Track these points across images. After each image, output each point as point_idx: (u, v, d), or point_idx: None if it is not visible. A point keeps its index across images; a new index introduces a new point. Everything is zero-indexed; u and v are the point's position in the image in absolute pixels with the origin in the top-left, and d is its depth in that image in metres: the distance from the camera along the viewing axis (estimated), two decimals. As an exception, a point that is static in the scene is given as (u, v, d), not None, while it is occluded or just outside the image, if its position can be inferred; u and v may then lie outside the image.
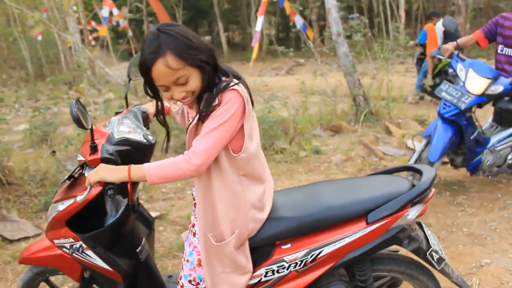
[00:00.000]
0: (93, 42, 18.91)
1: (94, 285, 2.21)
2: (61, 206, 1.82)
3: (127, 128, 1.86)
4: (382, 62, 6.69)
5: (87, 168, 1.77)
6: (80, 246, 1.85)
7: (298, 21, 12.43)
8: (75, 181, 1.92)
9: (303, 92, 6.69)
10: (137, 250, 1.99)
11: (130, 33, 16.96)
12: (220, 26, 26.30)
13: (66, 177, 1.91)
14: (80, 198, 1.66)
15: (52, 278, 2.36)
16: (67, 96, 11.17)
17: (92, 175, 1.61)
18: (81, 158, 1.79)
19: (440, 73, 8.05)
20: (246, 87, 1.63)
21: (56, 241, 1.89)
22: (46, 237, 2.01)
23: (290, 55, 7.31)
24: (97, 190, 1.71)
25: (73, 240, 1.84)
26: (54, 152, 5.59)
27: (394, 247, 1.99)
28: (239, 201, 1.68)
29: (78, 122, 1.62)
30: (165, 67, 1.48)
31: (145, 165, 1.59)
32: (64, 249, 1.89)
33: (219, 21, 25.94)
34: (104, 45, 20.96)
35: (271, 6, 22.69)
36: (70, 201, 1.79)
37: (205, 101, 1.57)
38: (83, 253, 1.86)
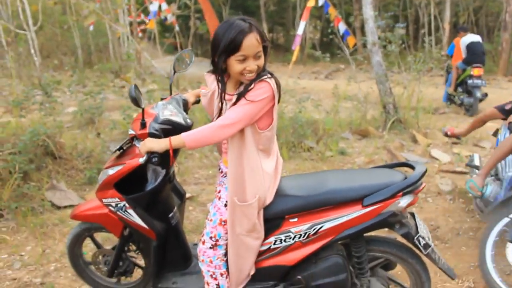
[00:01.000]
0: (140, 34, 19.65)
1: (130, 243, 2.61)
2: (111, 171, 2.23)
3: (170, 111, 2.26)
4: (414, 73, 6.92)
5: (136, 140, 2.17)
6: (124, 205, 2.25)
7: (342, 27, 12.67)
8: (123, 152, 2.32)
9: (336, 96, 6.99)
10: (169, 216, 2.40)
11: (177, 28, 17.60)
12: (265, 26, 26.69)
13: (117, 147, 2.31)
14: (141, 159, 2.03)
15: (96, 236, 2.75)
16: (113, 84, 11.76)
17: (142, 146, 2.00)
18: (132, 132, 2.19)
19: (462, 83, 8.66)
20: (278, 83, 2.02)
21: (104, 200, 2.29)
22: (94, 199, 2.45)
23: (326, 60, 7.61)
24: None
25: (119, 200, 2.25)
26: (99, 134, 6.07)
27: (391, 235, 2.33)
28: (259, 171, 2.05)
29: (135, 101, 2.00)
30: (255, 40, 1.89)
31: (183, 133, 1.97)
32: (110, 207, 2.30)
33: (264, 22, 26.32)
34: (151, 37, 21.74)
35: (317, 11, 22.95)
36: (119, 167, 2.20)
37: (247, 84, 1.97)
38: (125, 212, 2.27)
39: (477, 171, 3.75)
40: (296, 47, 12.56)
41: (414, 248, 2.26)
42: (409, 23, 22.98)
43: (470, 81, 8.51)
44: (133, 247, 2.63)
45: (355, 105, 7.21)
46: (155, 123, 2.16)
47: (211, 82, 2.12)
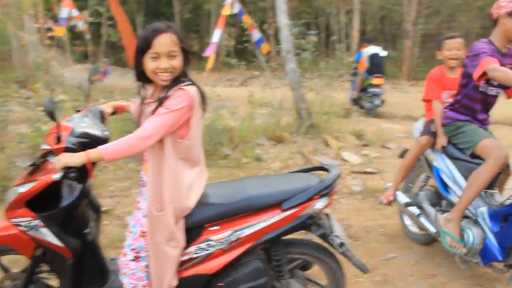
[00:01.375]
0: (48, 42, 18.71)
1: (43, 264, 2.45)
2: (22, 189, 2.11)
3: (86, 124, 2.19)
4: (326, 79, 7.19)
5: (51, 155, 2.06)
6: (37, 224, 2.13)
7: (255, 35, 12.87)
8: (36, 168, 2.19)
9: (251, 103, 7.08)
10: (85, 232, 2.31)
11: (88, 36, 16.97)
12: (180, 34, 26.49)
13: (29, 163, 2.19)
14: (56, 176, 1.95)
15: (3, 258, 2.53)
16: (18, 94, 11.11)
17: (58, 161, 1.92)
18: (46, 147, 2.08)
19: (365, 89, 9.72)
20: (201, 91, 2.05)
21: (13, 220, 2.16)
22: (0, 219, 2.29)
23: (242, 67, 7.71)
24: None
25: (31, 219, 2.13)
26: (3, 148, 5.69)
27: (308, 237, 2.42)
28: (178, 181, 2.05)
29: (50, 115, 1.92)
30: (169, 39, 1.96)
31: (101, 146, 1.92)
32: (20, 227, 2.16)
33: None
34: (60, 45, 20.77)
35: (231, 19, 23.14)
36: (32, 184, 2.09)
37: (166, 90, 1.99)
38: (38, 231, 2.15)
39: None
40: (211, 55, 12.56)
41: (329, 248, 2.37)
42: (321, 31, 23.84)
43: (370, 90, 9.65)
44: (45, 268, 2.47)
45: (270, 111, 7.34)
46: (71, 136, 2.09)
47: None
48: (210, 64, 12.96)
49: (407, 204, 3.53)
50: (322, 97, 7.25)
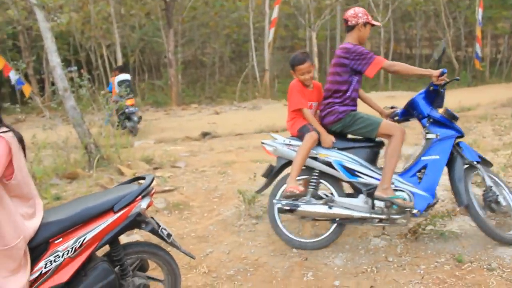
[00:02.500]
0: None
1: None
2: None
3: None
4: (107, 111, 7.44)
5: None
6: None
7: (13, 76, 12.14)
8: None
9: (35, 146, 6.87)
10: None
11: None
12: None
13: None
14: None
15: None
16: None
17: None
18: None
19: (122, 112, 11.00)
20: (18, 135, 2.24)
21: None
22: None
23: (17, 111, 7.38)
24: None
25: None
26: None
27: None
28: (14, 216, 2.21)
29: None
30: None
31: None
32: None
33: None
34: None
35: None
36: None
37: None
38: None
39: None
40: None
41: (160, 244, 2.88)
42: (82, 66, 23.49)
43: (127, 110, 11.02)
44: None
45: (56, 151, 7.23)
46: None
47: None
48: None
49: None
50: (105, 130, 7.47)
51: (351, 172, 3.84)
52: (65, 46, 23.75)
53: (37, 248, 2.34)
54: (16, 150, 2.22)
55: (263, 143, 4.17)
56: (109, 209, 2.52)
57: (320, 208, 3.84)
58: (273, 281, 3.53)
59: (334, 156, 3.87)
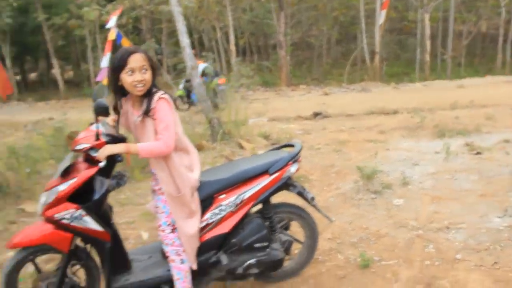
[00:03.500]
0: None
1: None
2: (62, 187, 2.52)
3: (106, 129, 2.66)
4: (230, 90, 7.93)
5: (92, 150, 2.50)
6: (80, 214, 2.54)
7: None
8: (66, 170, 2.60)
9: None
10: (111, 222, 2.77)
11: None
12: (55, 62, 25.52)
13: (64, 167, 2.59)
14: (102, 163, 2.46)
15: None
16: None
17: (104, 151, 2.41)
18: (85, 146, 2.52)
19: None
20: (171, 96, 2.62)
21: (57, 215, 2.53)
22: (29, 226, 2.69)
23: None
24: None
25: (75, 210, 2.53)
26: None
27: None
28: (180, 167, 2.62)
29: (104, 110, 2.46)
30: (139, 56, 2.47)
31: (138, 144, 2.45)
32: (63, 220, 2.53)
33: (54, 58, 25.15)
34: None
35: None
36: (72, 181, 2.52)
37: (147, 102, 2.53)
38: (81, 220, 2.55)
39: None
40: (103, 79, 12.66)
41: (304, 207, 3.19)
42: (195, 48, 24.67)
43: (220, 88, 11.53)
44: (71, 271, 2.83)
45: (182, 124, 7.87)
46: (104, 136, 2.56)
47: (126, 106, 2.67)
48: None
49: None
50: (229, 106, 7.98)
51: None
52: (180, 29, 25.02)
53: (204, 201, 2.76)
54: (173, 109, 2.61)
55: None
56: (265, 172, 2.88)
57: None
58: (395, 250, 3.71)
59: None
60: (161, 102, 2.49)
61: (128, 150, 2.44)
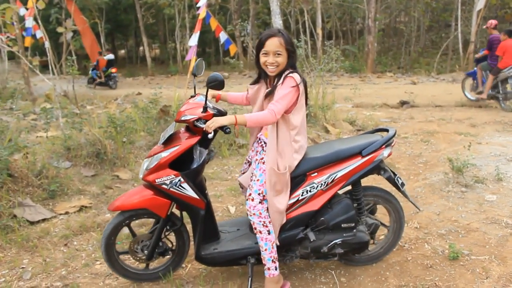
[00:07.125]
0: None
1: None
2: (165, 154, 2.71)
3: (210, 102, 2.82)
4: (318, 73, 7.93)
5: (200, 121, 2.66)
6: (179, 180, 2.73)
7: (223, 37, 13.42)
8: (168, 139, 2.79)
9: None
10: (206, 192, 2.93)
11: (47, 45, 16.78)
12: (145, 40, 26.65)
13: (167, 135, 2.78)
14: (210, 135, 2.60)
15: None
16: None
17: (214, 122, 2.52)
18: (192, 117, 2.68)
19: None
20: (302, 79, 2.72)
21: (158, 180, 2.73)
22: (129, 191, 2.90)
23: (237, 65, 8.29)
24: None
25: (174, 176, 2.72)
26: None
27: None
28: (288, 145, 2.72)
29: (220, 85, 2.59)
30: (276, 40, 2.65)
31: (246, 114, 2.58)
32: (163, 185, 2.73)
33: (144, 36, 26.27)
34: (14, 57, 20.20)
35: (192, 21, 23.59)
36: (174, 148, 2.70)
37: (277, 80, 2.70)
38: (180, 186, 2.74)
39: None
40: (192, 58, 13.07)
41: (392, 193, 3.18)
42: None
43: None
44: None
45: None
46: (211, 108, 2.74)
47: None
48: (191, 67, 13.46)
49: None
50: (316, 90, 7.99)
51: None
52: (265, 10, 25.21)
53: (297, 178, 2.83)
54: (302, 91, 2.72)
55: None
56: (358, 153, 2.91)
57: None
58: (486, 245, 3.60)
59: None
60: (288, 79, 2.64)
61: (236, 121, 2.54)
